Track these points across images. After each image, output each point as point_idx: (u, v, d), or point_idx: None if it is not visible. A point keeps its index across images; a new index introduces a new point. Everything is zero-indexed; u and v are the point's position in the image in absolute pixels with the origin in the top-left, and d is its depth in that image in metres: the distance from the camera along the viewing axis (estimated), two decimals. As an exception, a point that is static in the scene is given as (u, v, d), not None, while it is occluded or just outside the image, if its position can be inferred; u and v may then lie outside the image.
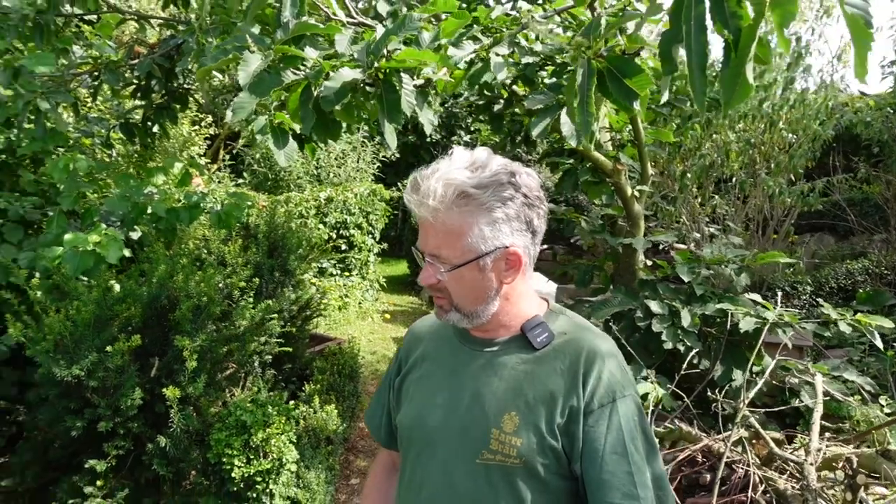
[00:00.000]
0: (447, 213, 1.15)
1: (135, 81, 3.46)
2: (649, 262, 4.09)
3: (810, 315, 5.58)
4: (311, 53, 1.54)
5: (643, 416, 1.21)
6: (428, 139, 9.61)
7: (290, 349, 4.07)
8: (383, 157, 8.58)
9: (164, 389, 2.76)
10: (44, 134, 3.15)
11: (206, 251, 3.60)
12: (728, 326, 3.42)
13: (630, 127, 3.63)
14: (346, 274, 7.40)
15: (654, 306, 3.66)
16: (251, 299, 3.60)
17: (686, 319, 3.55)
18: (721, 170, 6.01)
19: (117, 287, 3.04)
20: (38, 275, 2.97)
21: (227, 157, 8.04)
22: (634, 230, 3.87)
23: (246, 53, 1.45)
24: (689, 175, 5.40)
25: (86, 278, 3.05)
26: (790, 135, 6.00)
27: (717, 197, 6.19)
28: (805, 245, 7.97)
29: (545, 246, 9.37)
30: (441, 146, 9.79)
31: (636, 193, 3.68)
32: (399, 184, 8.68)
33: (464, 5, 2.89)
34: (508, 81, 2.61)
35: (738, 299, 3.60)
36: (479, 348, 1.28)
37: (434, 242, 1.19)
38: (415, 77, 1.71)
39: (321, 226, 7.00)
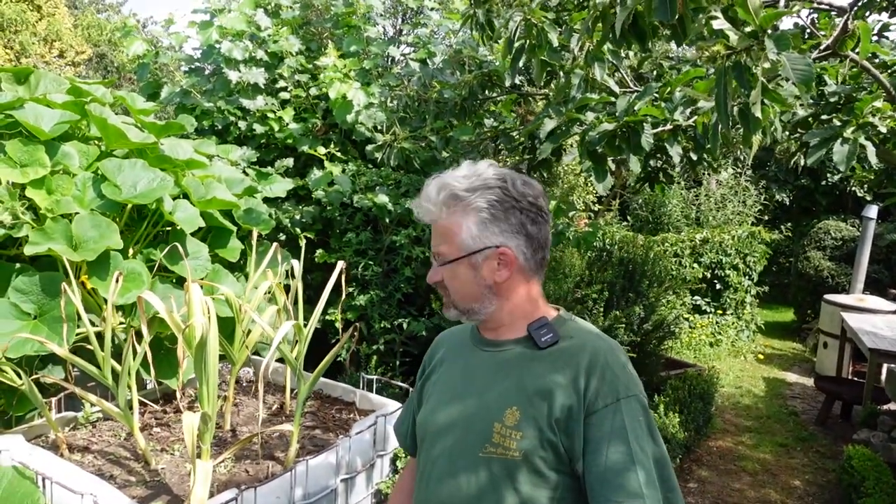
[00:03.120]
0: (441, 212, 1.27)
1: (523, 141, 4.74)
2: None
3: None
4: (589, 116, 2.40)
5: (649, 416, 1.21)
6: (824, 183, 9.21)
7: (634, 355, 4.81)
8: (765, 201, 8.61)
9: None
10: (463, 182, 4.59)
11: (564, 265, 4.64)
12: None
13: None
14: (720, 312, 7.70)
15: None
16: (601, 308, 4.52)
17: None
18: None
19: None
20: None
21: (617, 203, 9.12)
22: None
23: (545, 119, 2.42)
24: None
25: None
26: None
27: None
28: None
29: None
30: (838, 189, 9.24)
31: None
32: (783, 227, 8.58)
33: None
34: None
35: None
36: (488, 349, 1.34)
37: (436, 241, 1.30)
38: (667, 124, 2.43)
39: (695, 265, 7.50)
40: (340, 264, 2.79)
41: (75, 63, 13.14)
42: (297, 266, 2.93)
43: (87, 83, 3.58)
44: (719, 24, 1.53)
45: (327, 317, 4.50)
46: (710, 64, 1.56)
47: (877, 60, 2.50)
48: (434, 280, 1.33)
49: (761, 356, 7.67)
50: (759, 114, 1.55)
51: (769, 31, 1.47)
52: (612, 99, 2.44)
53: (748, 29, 1.50)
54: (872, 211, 7.27)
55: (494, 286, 1.28)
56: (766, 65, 1.49)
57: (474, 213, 1.25)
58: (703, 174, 7.96)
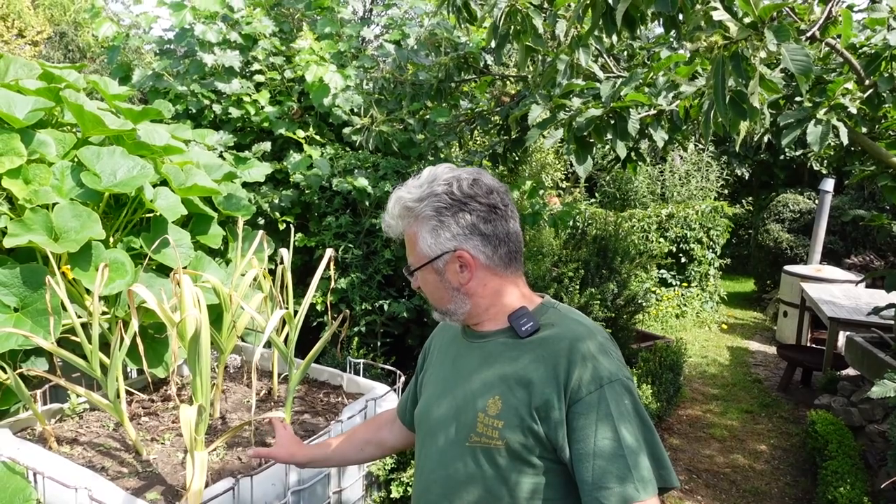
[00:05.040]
0: (399, 225, 1.33)
1: (498, 123, 4.77)
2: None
3: None
4: (575, 102, 2.45)
5: (636, 400, 1.22)
6: (782, 157, 9.48)
7: (609, 330, 4.92)
8: (727, 175, 8.83)
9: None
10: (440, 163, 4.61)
11: (541, 245, 4.72)
12: None
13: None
14: (685, 285, 7.91)
15: (966, 310, 3.64)
16: (577, 286, 4.61)
17: None
18: None
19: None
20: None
21: (583, 180, 9.26)
22: (950, 235, 3.84)
23: (533, 106, 2.46)
24: None
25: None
26: None
27: None
28: None
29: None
30: (796, 163, 9.54)
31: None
32: (744, 201, 8.80)
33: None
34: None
35: None
36: (476, 341, 1.36)
37: (406, 251, 1.36)
38: (650, 109, 2.50)
39: (661, 239, 7.68)
40: (329, 252, 2.81)
41: (35, 42, 12.69)
42: (287, 254, 2.94)
43: (58, 67, 3.49)
44: (719, 14, 1.58)
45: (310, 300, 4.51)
46: (707, 54, 1.61)
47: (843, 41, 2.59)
48: (415, 287, 1.39)
49: (725, 326, 7.92)
50: (756, 104, 1.62)
51: (768, 23, 1.53)
52: (597, 85, 2.49)
53: (748, 20, 1.55)
54: (829, 184, 7.52)
55: (462, 288, 1.32)
56: (763, 54, 1.55)
57: (425, 221, 1.28)
58: (672, 150, 8.14)
